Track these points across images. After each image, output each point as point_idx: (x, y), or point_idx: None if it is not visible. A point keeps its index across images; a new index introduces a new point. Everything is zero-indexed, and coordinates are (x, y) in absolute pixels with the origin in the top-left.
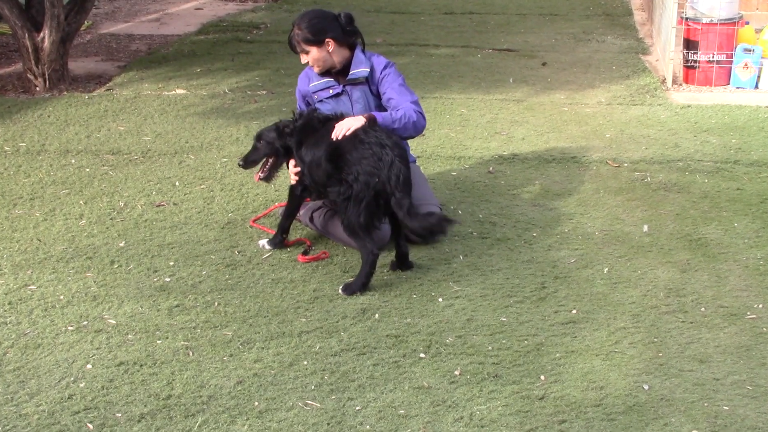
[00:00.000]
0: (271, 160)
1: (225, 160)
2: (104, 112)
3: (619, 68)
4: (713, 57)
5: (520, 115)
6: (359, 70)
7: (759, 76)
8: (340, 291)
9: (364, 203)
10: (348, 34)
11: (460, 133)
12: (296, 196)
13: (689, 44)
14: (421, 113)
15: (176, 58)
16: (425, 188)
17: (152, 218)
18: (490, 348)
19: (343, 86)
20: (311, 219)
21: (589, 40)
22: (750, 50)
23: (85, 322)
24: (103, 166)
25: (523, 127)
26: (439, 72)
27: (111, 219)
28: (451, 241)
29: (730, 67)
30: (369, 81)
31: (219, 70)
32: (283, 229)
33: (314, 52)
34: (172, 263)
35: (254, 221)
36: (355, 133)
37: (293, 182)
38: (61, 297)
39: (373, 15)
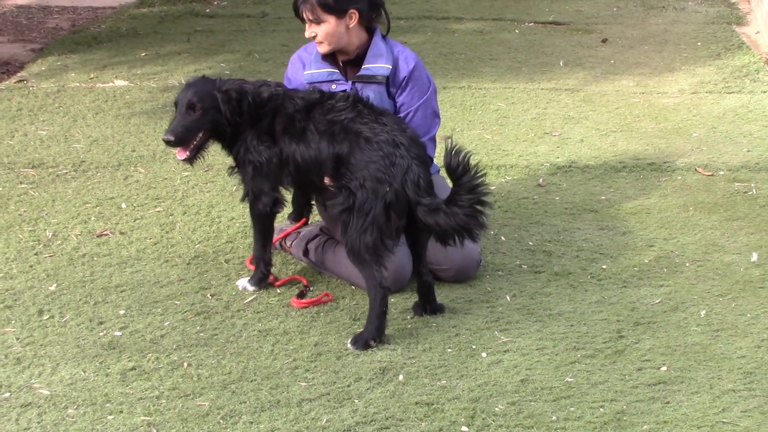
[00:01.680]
0: (201, 135)
1: (187, 174)
2: (17, 111)
3: (706, 44)
4: None
5: (576, 109)
6: (378, 66)
7: None
8: (349, 345)
9: (370, 216)
10: (374, 9)
11: (497, 134)
12: (264, 214)
13: None
14: (432, 158)
15: (111, 38)
16: None
17: (92, 252)
18: (554, 419)
19: (352, 83)
20: (305, 252)
21: (664, 8)
22: None
23: (7, 394)
24: (21, 183)
25: (581, 125)
26: (465, 54)
27: (36, 254)
28: (493, 276)
29: None
30: (389, 81)
31: (171, 54)
32: (264, 261)
33: (331, 23)
34: (122, 312)
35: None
36: (358, 130)
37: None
38: None
39: None
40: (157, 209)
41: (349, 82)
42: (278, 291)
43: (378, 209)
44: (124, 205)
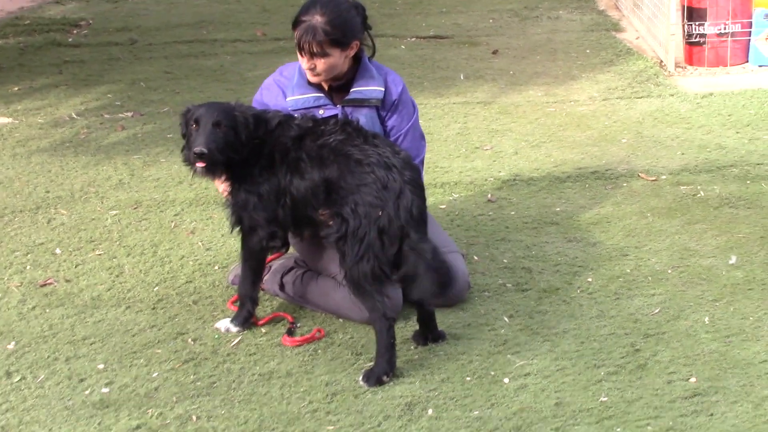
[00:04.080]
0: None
1: (115, 212)
2: None
3: (596, 51)
4: (725, 29)
5: (497, 121)
6: (370, 89)
7: None
8: (361, 383)
9: (365, 243)
10: (367, 35)
11: (428, 151)
12: (257, 249)
13: (692, 14)
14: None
15: None
16: (436, 228)
17: (41, 304)
18: None
19: (342, 107)
20: (281, 287)
21: (538, 18)
22: None
23: None
24: None
25: (508, 137)
26: None
27: None
28: (481, 297)
29: (748, 40)
30: (380, 105)
31: (47, 87)
32: (252, 300)
33: (335, 56)
34: (101, 366)
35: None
36: (348, 153)
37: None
38: None
39: (233, 1)
40: (97, 252)
41: (339, 107)
42: (263, 330)
43: (372, 235)
44: (58, 251)
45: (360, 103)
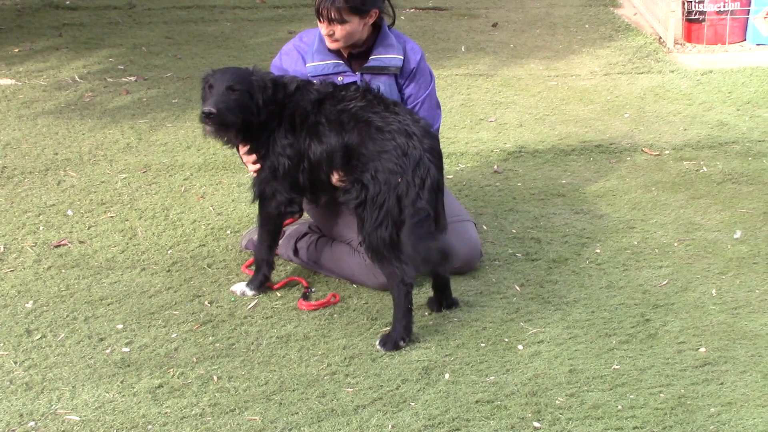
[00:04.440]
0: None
1: (125, 176)
2: None
3: (594, 27)
4: (725, 6)
5: (500, 93)
6: (389, 56)
7: None
8: (378, 347)
9: (384, 209)
10: (387, 3)
11: None
12: (275, 214)
13: None
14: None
15: None
16: (449, 197)
17: (57, 264)
18: (619, 407)
19: (361, 74)
20: (295, 252)
21: None
22: None
23: (32, 423)
24: None
25: (512, 109)
26: None
27: None
28: (492, 266)
29: (746, 19)
30: (398, 73)
31: (48, 49)
32: (268, 264)
33: (353, 23)
34: (120, 326)
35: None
36: (369, 119)
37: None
38: None
39: None
40: (108, 215)
41: (358, 74)
42: (278, 294)
43: (391, 201)
44: (70, 212)
45: (379, 70)
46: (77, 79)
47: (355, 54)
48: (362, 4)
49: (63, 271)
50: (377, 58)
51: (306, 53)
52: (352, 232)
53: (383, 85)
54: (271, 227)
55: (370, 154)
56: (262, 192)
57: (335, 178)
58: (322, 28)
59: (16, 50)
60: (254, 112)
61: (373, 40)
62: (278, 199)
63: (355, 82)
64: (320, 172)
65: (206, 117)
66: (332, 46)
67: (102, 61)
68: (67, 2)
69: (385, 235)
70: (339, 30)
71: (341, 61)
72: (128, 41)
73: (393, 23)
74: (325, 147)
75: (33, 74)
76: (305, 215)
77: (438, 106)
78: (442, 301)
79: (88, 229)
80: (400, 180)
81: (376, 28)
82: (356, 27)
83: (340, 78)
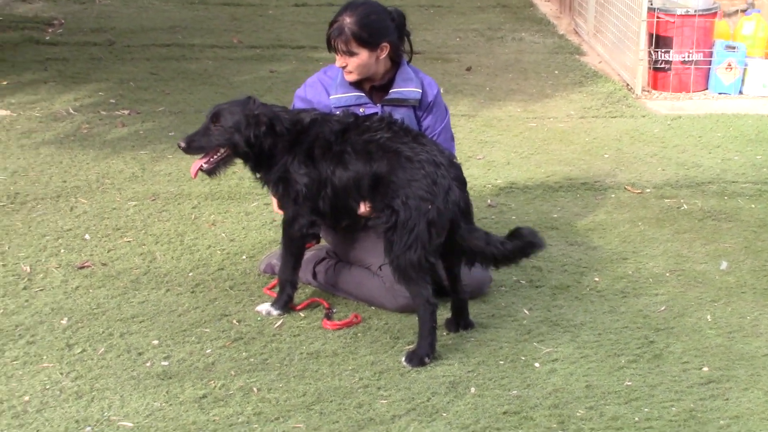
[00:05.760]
0: (222, 152)
1: (135, 203)
2: None
3: (564, 73)
4: (689, 57)
5: (484, 133)
6: (409, 90)
7: (743, 79)
8: (404, 363)
9: (414, 233)
10: (402, 40)
11: None
12: (298, 236)
13: (659, 42)
14: None
15: None
16: None
17: (84, 284)
18: (636, 419)
19: (381, 106)
20: (314, 275)
21: (502, 39)
22: (733, 48)
23: (88, 428)
24: None
25: (498, 148)
26: None
27: (24, 289)
28: (500, 292)
29: (709, 69)
30: (417, 105)
31: (35, 82)
32: (292, 285)
33: (363, 56)
34: (156, 342)
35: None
36: (398, 149)
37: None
38: (26, 398)
39: (201, 8)
40: (125, 239)
41: (378, 106)
42: (302, 315)
43: (421, 226)
44: (87, 237)
45: (399, 102)
46: (71, 111)
47: (377, 87)
48: (370, 36)
49: (91, 291)
50: (397, 91)
51: (329, 86)
52: (371, 257)
53: (401, 116)
54: (293, 249)
55: (400, 181)
56: (286, 215)
57: (364, 208)
58: (337, 60)
59: (5, 82)
60: (243, 146)
61: (393, 74)
62: (300, 221)
63: (376, 113)
64: (347, 197)
65: (180, 148)
66: (348, 78)
67: (92, 94)
68: (47, 38)
69: (414, 258)
70: (351, 62)
71: (363, 94)
72: (114, 76)
73: (410, 59)
74: (351, 174)
75: (26, 106)
76: (322, 241)
77: (452, 138)
78: (460, 321)
79: (108, 252)
80: (430, 207)
81: (395, 63)
82: (368, 60)
83: (362, 109)
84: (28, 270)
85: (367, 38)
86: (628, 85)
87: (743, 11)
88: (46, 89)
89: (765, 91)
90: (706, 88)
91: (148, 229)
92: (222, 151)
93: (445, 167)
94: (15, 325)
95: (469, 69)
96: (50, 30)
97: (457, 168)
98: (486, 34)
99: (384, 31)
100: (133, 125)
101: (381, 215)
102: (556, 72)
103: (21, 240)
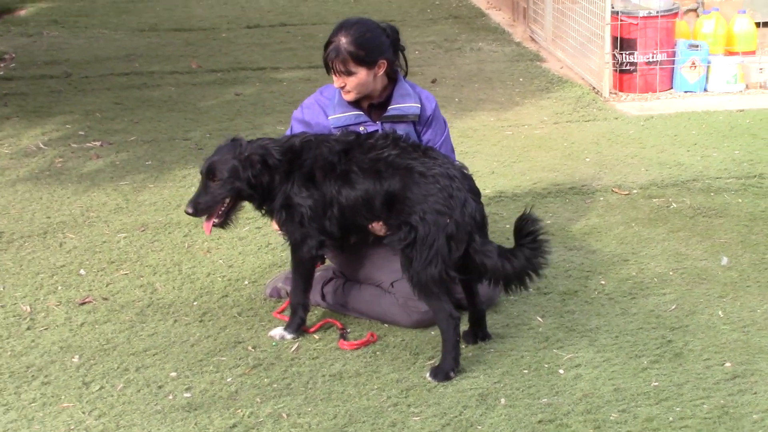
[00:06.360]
0: (228, 201)
1: (125, 235)
2: None
3: (529, 80)
4: (653, 57)
5: (462, 144)
6: (407, 105)
7: (707, 77)
8: (429, 379)
9: (434, 249)
10: (397, 56)
11: None
12: (307, 258)
13: (623, 44)
14: None
15: None
16: None
17: (89, 321)
18: (671, 419)
19: (381, 123)
20: (323, 296)
21: (461, 49)
22: (696, 46)
23: None
24: None
25: (479, 158)
26: None
27: (28, 329)
28: (509, 301)
29: (673, 68)
30: (417, 120)
31: None
32: (304, 307)
33: (361, 74)
34: (174, 374)
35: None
36: (409, 166)
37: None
38: None
39: (153, 35)
40: (122, 272)
41: (378, 123)
42: (316, 336)
43: (441, 241)
44: (82, 272)
45: (399, 119)
46: (41, 146)
47: (375, 105)
48: (367, 54)
49: (97, 326)
50: (396, 107)
51: (327, 107)
52: (382, 274)
53: (402, 132)
54: (303, 271)
55: (416, 197)
56: (293, 239)
57: (377, 226)
58: (335, 81)
59: None
60: (246, 189)
61: (390, 90)
62: (309, 243)
63: (377, 131)
64: (355, 216)
65: (189, 215)
66: (347, 97)
67: (59, 127)
68: (1, 73)
69: (435, 273)
70: (349, 82)
71: (361, 113)
72: (78, 108)
73: (406, 74)
74: (359, 193)
75: None
76: (327, 262)
77: (452, 150)
78: (478, 332)
79: (107, 286)
80: (449, 220)
81: (392, 79)
82: (366, 78)
83: (362, 128)
84: (29, 309)
85: (365, 56)
86: (594, 88)
87: (693, 10)
88: (11, 125)
89: (729, 87)
90: (671, 88)
91: (143, 260)
92: (227, 201)
93: (459, 180)
94: (26, 366)
95: (434, 81)
96: (2, 65)
97: (470, 180)
98: (443, 45)
99: (380, 48)
100: (108, 156)
101: (398, 232)
102: (521, 79)
103: (15, 279)
